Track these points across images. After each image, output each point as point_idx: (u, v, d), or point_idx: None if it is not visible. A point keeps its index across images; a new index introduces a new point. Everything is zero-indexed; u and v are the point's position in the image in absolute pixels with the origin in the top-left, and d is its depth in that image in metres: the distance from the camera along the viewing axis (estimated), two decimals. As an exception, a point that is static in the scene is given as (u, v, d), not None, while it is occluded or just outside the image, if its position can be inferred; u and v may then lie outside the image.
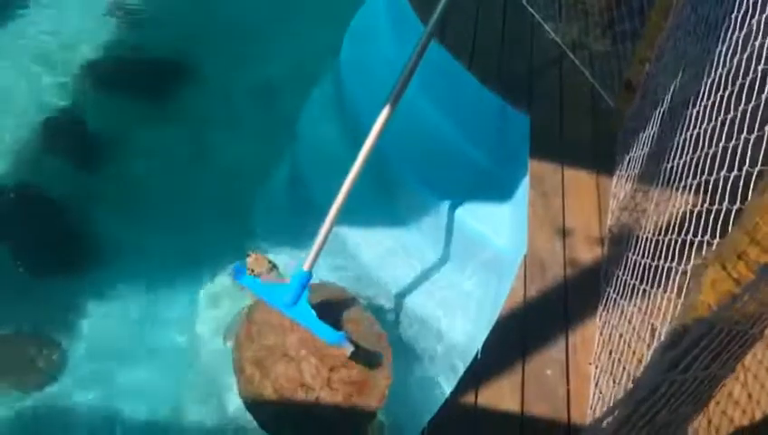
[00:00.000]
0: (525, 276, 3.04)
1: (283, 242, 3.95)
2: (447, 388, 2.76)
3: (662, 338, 1.98)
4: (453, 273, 3.62)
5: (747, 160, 1.63)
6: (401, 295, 3.57)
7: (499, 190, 3.68)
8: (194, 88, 4.87)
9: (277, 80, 4.88)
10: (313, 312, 2.81)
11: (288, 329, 2.94)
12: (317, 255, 2.80)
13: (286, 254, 3.84)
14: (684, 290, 1.91)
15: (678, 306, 1.92)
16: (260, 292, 2.93)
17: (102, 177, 4.37)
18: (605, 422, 0.91)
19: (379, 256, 3.70)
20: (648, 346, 2.44)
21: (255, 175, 4.38)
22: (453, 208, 3.63)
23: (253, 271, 3.33)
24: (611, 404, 2.12)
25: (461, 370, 2.78)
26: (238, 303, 3.68)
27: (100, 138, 4.55)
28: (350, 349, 2.80)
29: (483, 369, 2.72)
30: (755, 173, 1.52)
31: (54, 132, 4.52)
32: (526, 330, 2.88)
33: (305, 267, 2.80)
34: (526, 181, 3.42)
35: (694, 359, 0.95)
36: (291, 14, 5.31)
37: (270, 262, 3.33)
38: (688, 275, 1.70)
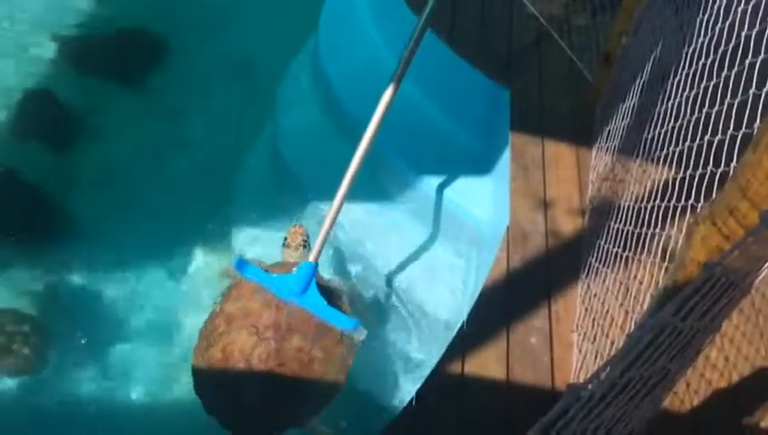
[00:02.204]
0: (508, 248, 3.08)
1: (265, 220, 3.93)
2: (434, 358, 2.79)
3: (646, 298, 2.04)
4: (436, 246, 3.65)
5: (732, 124, 1.67)
6: (385, 270, 3.58)
7: (480, 164, 3.71)
8: (169, 66, 4.79)
9: (254, 56, 4.82)
10: (323, 300, 2.80)
11: (274, 306, 2.90)
12: (322, 246, 2.82)
13: (268, 232, 3.83)
14: (668, 253, 1.97)
15: (663, 270, 1.98)
16: (267, 283, 2.89)
17: (77, 157, 4.29)
18: (603, 375, 0.93)
19: (362, 231, 3.71)
20: (627, 312, 2.51)
21: (234, 153, 4.34)
22: (435, 182, 3.65)
23: (285, 239, 3.37)
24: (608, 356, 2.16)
25: (447, 340, 2.81)
26: (215, 281, 3.67)
27: (75, 118, 4.46)
28: (363, 334, 2.82)
29: (468, 339, 2.76)
30: (739, 136, 1.56)
31: (28, 113, 4.41)
32: (510, 300, 2.92)
33: (311, 259, 2.81)
34: (507, 155, 3.45)
35: (691, 309, 0.99)
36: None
37: (304, 240, 3.35)
38: (673, 237, 1.74)
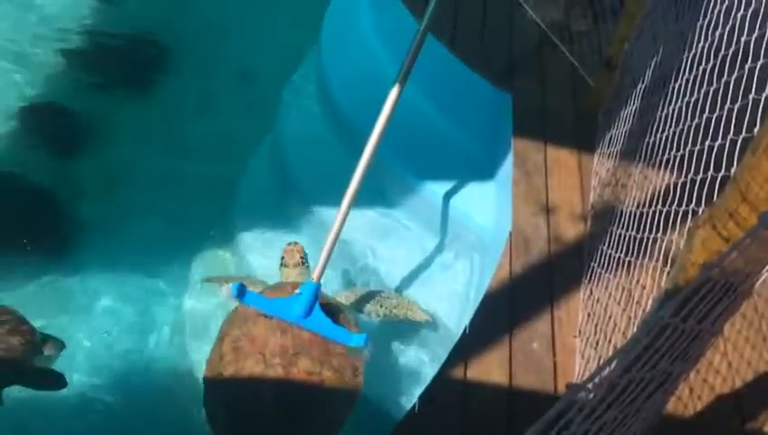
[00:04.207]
0: (511, 254, 3.09)
1: (268, 228, 3.94)
2: (437, 364, 2.79)
3: (649, 303, 2.04)
4: (439, 252, 3.65)
5: (732, 129, 1.68)
6: (387, 276, 3.59)
7: (483, 169, 3.71)
8: (174, 74, 4.83)
9: (258, 64, 4.85)
10: (329, 320, 2.76)
11: (278, 330, 2.87)
12: (325, 264, 2.74)
13: (271, 240, 3.83)
14: (670, 258, 1.97)
15: (664, 274, 1.98)
16: (269, 308, 2.82)
17: (83, 162, 4.32)
18: (603, 374, 0.94)
19: (364, 238, 3.71)
20: (630, 317, 2.51)
21: (237, 159, 4.36)
22: (437, 188, 3.66)
23: (282, 259, 3.33)
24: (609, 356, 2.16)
25: (450, 346, 2.81)
26: (217, 290, 3.67)
27: (80, 125, 4.49)
28: (371, 351, 2.83)
29: (471, 344, 2.76)
30: (739, 141, 1.57)
31: (34, 118, 4.45)
32: (512, 305, 2.92)
33: (314, 278, 2.74)
34: (509, 160, 3.45)
35: (691, 310, 0.99)
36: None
37: (302, 257, 3.31)
38: (675, 242, 1.74)
